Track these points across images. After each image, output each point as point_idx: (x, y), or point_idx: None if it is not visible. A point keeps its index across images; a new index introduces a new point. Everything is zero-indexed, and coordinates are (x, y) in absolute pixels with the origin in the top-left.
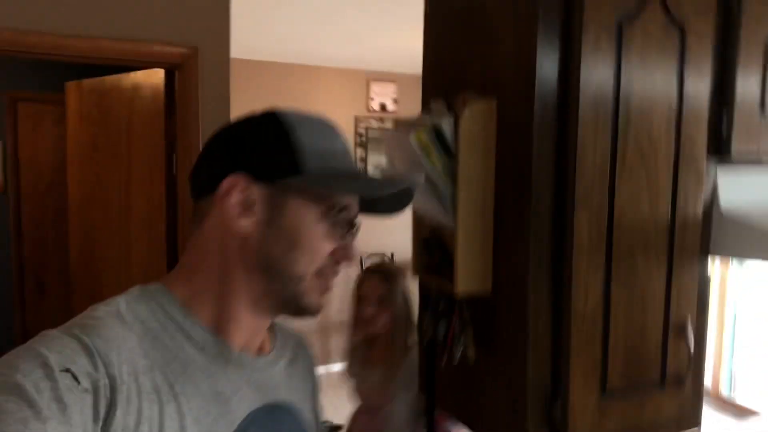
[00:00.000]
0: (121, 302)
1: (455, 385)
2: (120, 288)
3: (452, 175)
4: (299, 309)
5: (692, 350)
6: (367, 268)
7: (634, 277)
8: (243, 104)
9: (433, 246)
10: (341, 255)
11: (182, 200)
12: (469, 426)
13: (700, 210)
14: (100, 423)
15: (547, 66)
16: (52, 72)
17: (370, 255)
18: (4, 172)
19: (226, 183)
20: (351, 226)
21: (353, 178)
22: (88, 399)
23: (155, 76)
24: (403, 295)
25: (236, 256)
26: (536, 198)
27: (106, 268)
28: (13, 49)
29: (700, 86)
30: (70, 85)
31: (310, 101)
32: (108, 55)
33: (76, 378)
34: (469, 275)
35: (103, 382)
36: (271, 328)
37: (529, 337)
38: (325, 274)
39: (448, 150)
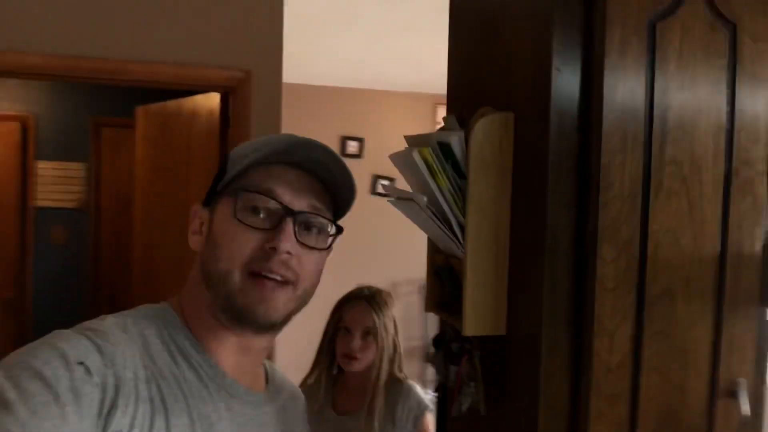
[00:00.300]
0: (128, 317)
1: None
2: None
3: (462, 199)
4: (239, 312)
5: (746, 418)
6: (351, 295)
7: (672, 326)
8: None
9: (445, 277)
10: (268, 244)
11: None
12: None
13: (758, 245)
14: (103, 420)
15: (566, 74)
16: (131, 98)
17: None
18: (88, 192)
19: (189, 217)
20: (277, 217)
21: (245, 156)
22: (97, 394)
23: (212, 100)
24: (392, 327)
25: (196, 276)
26: (552, 230)
27: (164, 285)
28: (80, 75)
29: (757, 97)
30: (139, 110)
31: (374, 126)
32: (165, 79)
33: (89, 371)
34: (478, 315)
35: (111, 380)
36: (267, 375)
37: (540, 391)
38: (256, 273)
39: (458, 170)
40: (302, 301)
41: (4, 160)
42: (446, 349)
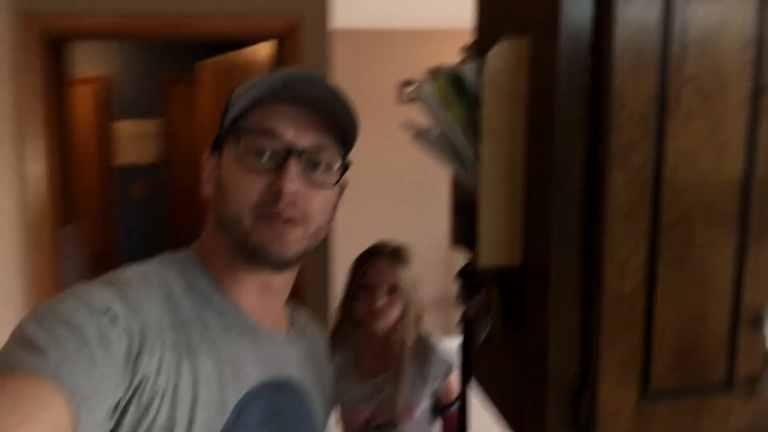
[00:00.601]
0: (151, 266)
1: (487, 366)
2: None
3: (475, 130)
4: (253, 251)
5: None
6: (372, 250)
7: (690, 253)
8: (362, 76)
9: (465, 212)
10: (273, 186)
11: None
12: (499, 412)
13: None
14: (131, 365)
15: None
16: (197, 54)
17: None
18: (164, 148)
19: (202, 164)
20: (281, 156)
21: (245, 93)
22: (124, 340)
23: (265, 50)
24: (414, 282)
25: (210, 218)
26: (562, 155)
27: None
28: (143, 32)
29: None
30: (200, 65)
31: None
32: (221, 32)
33: (115, 319)
34: (493, 246)
35: (136, 327)
36: (291, 317)
37: (550, 320)
38: (266, 214)
39: (473, 102)
40: (316, 238)
41: (84, 122)
42: (468, 282)
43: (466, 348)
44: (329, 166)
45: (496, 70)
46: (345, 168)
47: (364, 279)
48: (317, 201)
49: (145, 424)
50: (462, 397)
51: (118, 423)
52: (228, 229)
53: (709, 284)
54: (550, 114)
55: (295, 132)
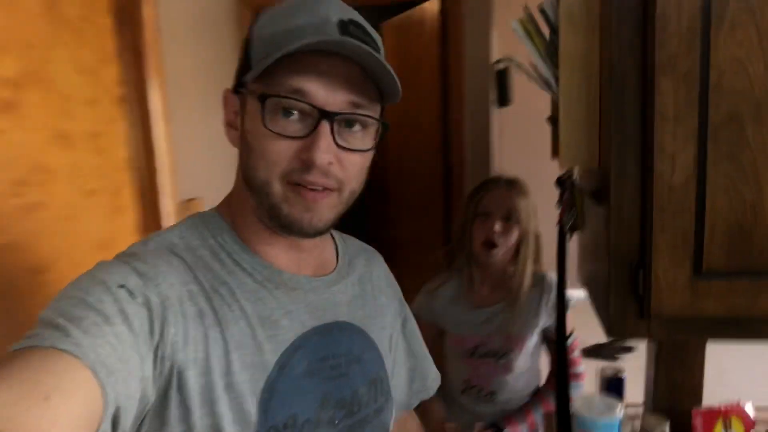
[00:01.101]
0: (175, 232)
1: (580, 261)
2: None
3: (555, 56)
4: (284, 222)
5: None
6: (488, 180)
7: (742, 149)
8: None
9: (555, 126)
10: (303, 154)
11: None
12: (591, 301)
13: None
14: (156, 337)
15: None
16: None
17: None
18: None
19: (222, 102)
20: (312, 120)
21: (281, 47)
22: (144, 313)
23: (433, 8)
24: (533, 214)
25: (239, 173)
26: (619, 66)
27: (412, 194)
28: None
29: None
30: (383, 26)
31: None
32: None
33: (131, 293)
34: (571, 150)
35: (155, 299)
36: (337, 250)
37: (611, 206)
38: (296, 183)
39: (553, 32)
40: (349, 202)
41: None
42: (561, 186)
43: (561, 244)
44: (366, 126)
45: (570, 2)
46: (384, 129)
47: (479, 207)
48: (352, 165)
49: (180, 394)
50: (561, 292)
51: (154, 394)
52: (257, 193)
53: (762, 177)
54: (609, 33)
55: (326, 91)
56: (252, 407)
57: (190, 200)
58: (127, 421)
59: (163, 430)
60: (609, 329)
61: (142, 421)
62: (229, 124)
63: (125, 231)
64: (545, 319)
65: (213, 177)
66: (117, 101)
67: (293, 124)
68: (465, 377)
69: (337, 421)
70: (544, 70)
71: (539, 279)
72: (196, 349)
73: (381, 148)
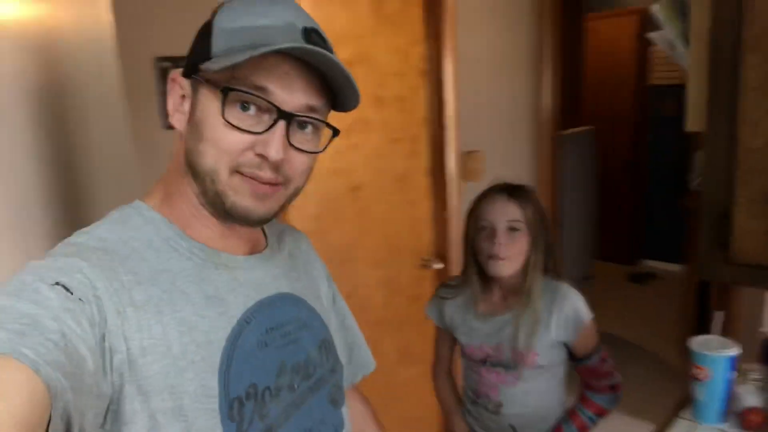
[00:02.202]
0: (102, 227)
1: None
2: None
3: (688, 37)
4: (228, 212)
5: None
6: (488, 189)
7: None
8: None
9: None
10: (258, 149)
11: None
12: None
13: None
14: (98, 330)
15: None
16: None
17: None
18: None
19: (167, 86)
20: (269, 118)
21: (252, 47)
22: (83, 307)
23: None
24: (542, 221)
25: (181, 159)
26: (717, 42)
27: None
28: None
29: None
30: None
31: None
32: None
33: (68, 289)
34: (696, 115)
35: (93, 294)
36: (265, 229)
37: (707, 164)
38: (246, 175)
39: (687, 15)
40: (292, 198)
41: (625, 48)
42: None
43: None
44: (316, 130)
45: None
46: (334, 134)
47: (481, 219)
48: (300, 164)
49: (137, 383)
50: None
51: (110, 388)
52: (200, 179)
53: None
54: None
55: (287, 93)
56: (213, 382)
57: (470, 152)
58: (82, 418)
59: (126, 422)
60: (700, 271)
61: (105, 417)
62: (174, 109)
63: (418, 170)
64: (559, 333)
65: (489, 135)
66: (420, 74)
67: (249, 119)
68: (474, 387)
69: (296, 385)
70: (680, 47)
71: (551, 289)
72: (150, 336)
73: None
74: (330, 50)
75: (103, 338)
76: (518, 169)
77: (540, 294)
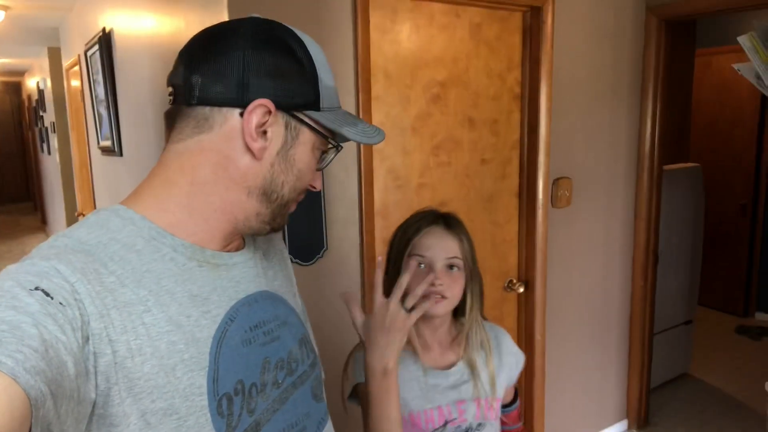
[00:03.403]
0: (82, 230)
1: None
2: None
3: None
4: (272, 229)
5: None
6: (421, 218)
7: None
8: None
9: None
10: (313, 183)
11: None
12: None
13: None
14: (81, 334)
15: None
16: None
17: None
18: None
19: (255, 103)
20: (329, 158)
21: (352, 123)
22: (63, 312)
23: None
24: (473, 252)
25: (236, 176)
26: None
27: None
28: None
29: None
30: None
31: None
32: None
33: (47, 294)
34: None
35: (74, 297)
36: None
37: None
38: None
39: None
40: None
41: (744, 85)
42: None
43: None
44: (326, 152)
45: None
46: (338, 149)
47: (414, 254)
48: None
49: (125, 385)
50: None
51: (94, 392)
52: (271, 203)
53: None
54: None
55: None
56: (202, 380)
57: (559, 178)
58: (62, 425)
59: (116, 425)
60: None
61: (91, 421)
62: (258, 135)
63: (507, 192)
64: (512, 375)
65: (582, 162)
66: (514, 98)
67: (320, 164)
68: None
69: (281, 381)
70: (766, 78)
71: (490, 328)
72: (137, 336)
73: None
74: None
75: (86, 341)
76: (612, 200)
77: (485, 333)
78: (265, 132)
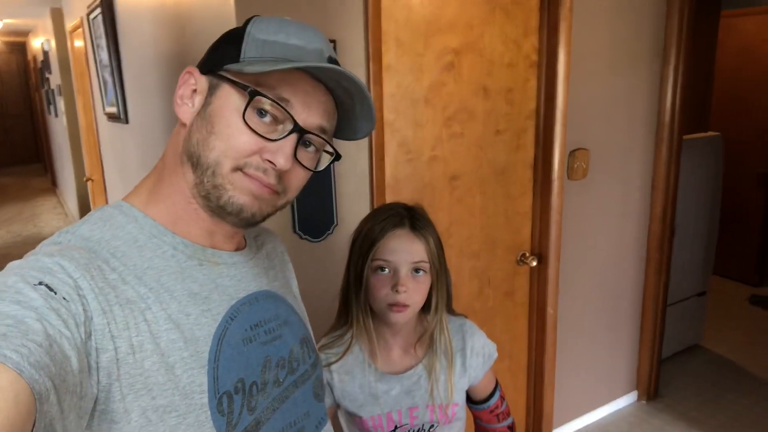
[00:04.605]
0: (85, 227)
1: None
2: None
3: None
4: (222, 206)
5: None
6: (384, 217)
7: None
8: None
9: None
10: (267, 155)
11: None
12: None
13: None
14: (83, 329)
15: None
16: None
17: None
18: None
19: (180, 78)
20: (285, 130)
21: (285, 62)
22: (67, 307)
23: None
24: (440, 250)
25: (178, 149)
26: None
27: None
28: None
29: None
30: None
31: None
32: None
33: (51, 289)
34: None
35: (77, 292)
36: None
37: None
38: (250, 174)
39: None
40: (281, 209)
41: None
42: None
43: None
44: (317, 151)
45: None
46: (335, 158)
47: (377, 258)
48: (297, 179)
49: (127, 381)
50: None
51: (95, 387)
52: (201, 171)
53: None
54: None
55: (306, 110)
56: (203, 378)
57: (576, 149)
58: (65, 420)
59: (116, 421)
60: None
61: (92, 417)
62: (183, 101)
63: (522, 164)
64: (477, 374)
65: (600, 133)
66: (531, 65)
67: (264, 126)
68: None
69: (282, 380)
70: None
71: (457, 326)
72: (138, 333)
73: None
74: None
75: (89, 337)
76: (630, 172)
77: (450, 335)
78: (192, 97)
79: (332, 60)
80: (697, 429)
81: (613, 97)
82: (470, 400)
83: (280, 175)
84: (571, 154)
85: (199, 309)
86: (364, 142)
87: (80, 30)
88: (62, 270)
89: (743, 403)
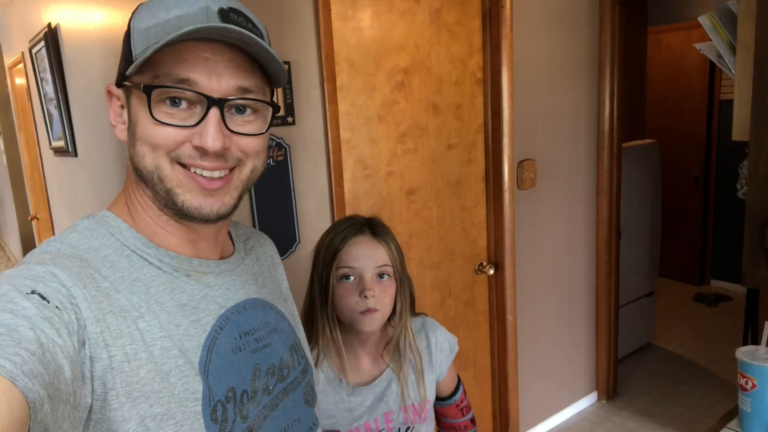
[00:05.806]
0: (73, 235)
1: None
2: None
3: (734, 47)
4: (183, 210)
5: None
6: (346, 227)
7: None
8: None
9: None
10: (195, 141)
11: None
12: None
13: None
14: (77, 338)
15: None
16: None
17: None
18: None
19: (106, 99)
20: (200, 108)
21: (162, 38)
22: (60, 315)
23: None
24: (401, 255)
25: (130, 168)
26: (759, 47)
27: None
28: None
29: None
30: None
31: None
32: None
33: (44, 297)
34: (741, 124)
35: (70, 301)
36: (229, 233)
37: (749, 169)
38: (190, 164)
39: (734, 27)
40: (250, 181)
41: (693, 62)
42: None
43: None
44: (256, 111)
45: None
46: (274, 110)
47: (342, 266)
48: (248, 145)
49: (122, 389)
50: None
51: (90, 396)
52: (150, 182)
53: None
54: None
55: (212, 79)
56: (197, 386)
57: (524, 160)
58: (59, 429)
59: (114, 430)
60: (742, 279)
61: (87, 427)
62: (115, 122)
63: (474, 176)
64: (443, 370)
65: (545, 144)
66: (476, 82)
67: (181, 113)
68: None
69: (272, 387)
70: (727, 58)
71: (419, 325)
72: (132, 341)
73: None
74: (253, 27)
75: (82, 346)
76: (575, 179)
77: (413, 334)
78: (122, 114)
79: (225, 11)
80: (655, 422)
81: (556, 110)
82: (436, 398)
83: (220, 154)
84: (520, 165)
85: (188, 320)
86: (323, 159)
87: (21, 66)
88: (55, 279)
89: (695, 393)
